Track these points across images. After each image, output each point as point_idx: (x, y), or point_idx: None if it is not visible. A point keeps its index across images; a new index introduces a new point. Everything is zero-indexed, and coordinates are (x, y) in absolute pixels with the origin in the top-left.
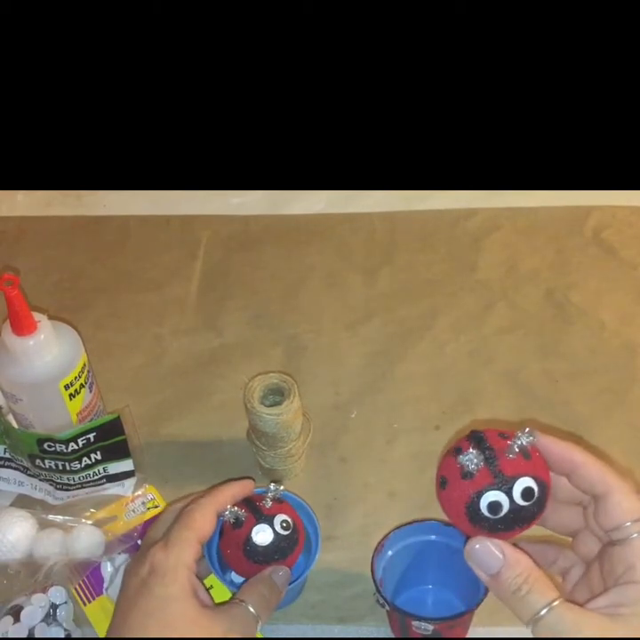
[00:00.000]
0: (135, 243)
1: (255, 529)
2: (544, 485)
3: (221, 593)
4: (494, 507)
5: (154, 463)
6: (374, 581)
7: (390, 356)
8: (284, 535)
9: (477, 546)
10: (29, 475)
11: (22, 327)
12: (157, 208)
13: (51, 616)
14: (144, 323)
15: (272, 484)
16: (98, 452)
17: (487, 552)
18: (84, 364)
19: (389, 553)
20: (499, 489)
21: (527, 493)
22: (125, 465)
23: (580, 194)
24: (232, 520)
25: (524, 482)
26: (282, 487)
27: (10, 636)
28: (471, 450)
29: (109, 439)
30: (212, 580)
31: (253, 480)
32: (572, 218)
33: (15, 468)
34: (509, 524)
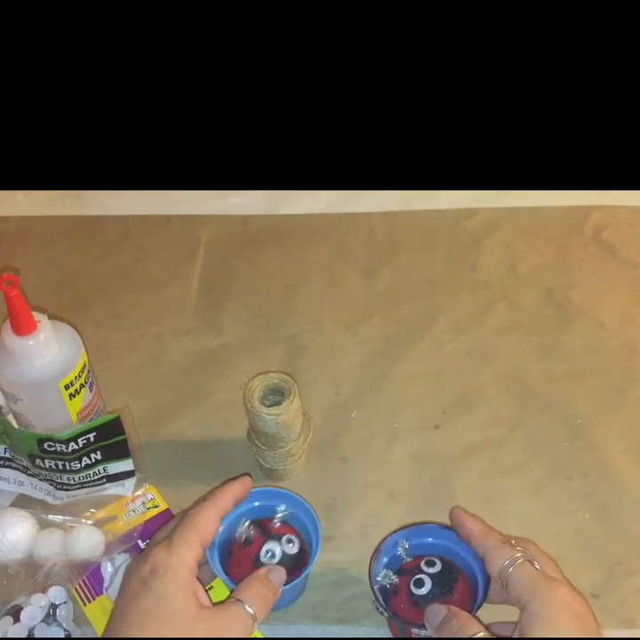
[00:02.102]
0: (135, 243)
1: (264, 547)
2: (442, 558)
3: (222, 593)
4: (417, 582)
5: (154, 463)
6: (372, 589)
7: (390, 355)
8: (291, 554)
9: (431, 609)
10: (29, 474)
11: (22, 327)
12: (157, 208)
13: (50, 616)
14: (144, 322)
15: (282, 505)
16: (98, 452)
17: (438, 609)
18: (84, 364)
19: (385, 559)
20: (413, 575)
21: (429, 563)
22: (125, 465)
23: (580, 194)
24: (243, 539)
25: (425, 559)
26: (290, 510)
27: (9, 636)
28: (392, 576)
29: (109, 439)
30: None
31: (250, 477)
32: (572, 218)
33: (15, 468)
34: (440, 586)
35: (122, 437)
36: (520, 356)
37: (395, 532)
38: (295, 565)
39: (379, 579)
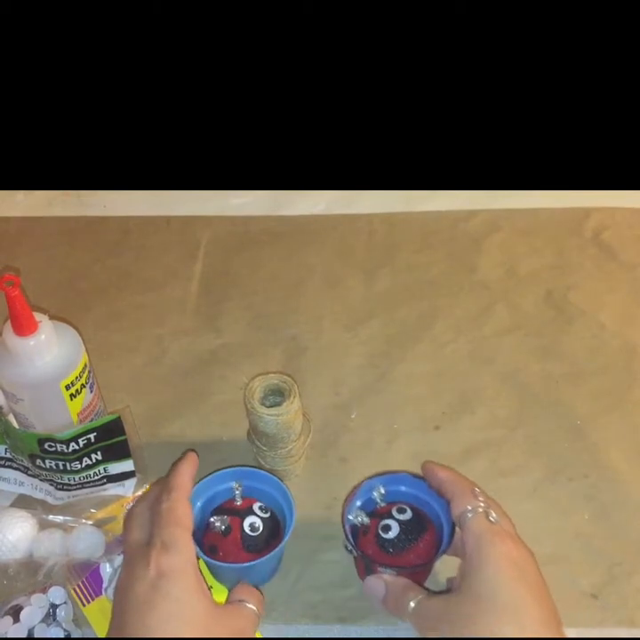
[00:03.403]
0: (135, 243)
1: (245, 524)
2: (414, 507)
3: (219, 591)
4: (386, 528)
5: (154, 463)
6: (344, 528)
7: (390, 356)
8: (268, 517)
9: (368, 582)
10: (30, 475)
11: (23, 327)
12: (157, 208)
13: (50, 616)
14: (144, 323)
15: (233, 482)
16: (98, 453)
17: (374, 584)
18: (85, 365)
19: (359, 502)
20: (383, 519)
21: (401, 510)
22: (126, 465)
23: (580, 195)
24: (222, 528)
25: (397, 506)
26: (241, 483)
27: (9, 636)
28: (364, 517)
29: (110, 439)
30: (210, 580)
31: (194, 452)
32: (571, 219)
33: (16, 468)
34: (406, 533)
35: (122, 438)
36: (520, 357)
37: (367, 479)
38: (273, 530)
39: (350, 517)
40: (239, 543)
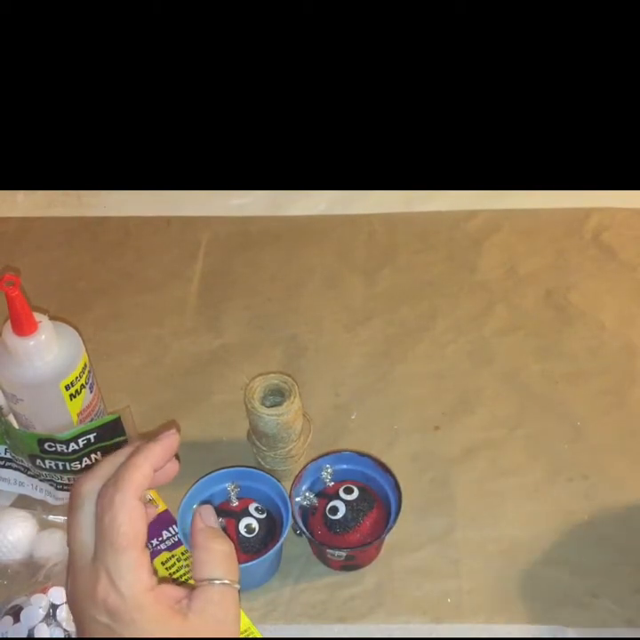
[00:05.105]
0: (135, 243)
1: (240, 525)
2: (361, 485)
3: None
4: (333, 510)
5: None
6: (292, 512)
7: (390, 356)
8: (264, 518)
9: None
10: (30, 475)
11: (23, 327)
12: (157, 208)
13: (51, 616)
14: (144, 323)
15: (228, 484)
16: (98, 453)
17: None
18: (85, 365)
19: (307, 484)
20: (330, 500)
21: (348, 490)
22: None
23: (580, 195)
24: None
25: (345, 486)
26: (237, 484)
27: (9, 636)
28: (308, 494)
29: (110, 439)
30: None
31: (176, 431)
32: (571, 219)
33: (16, 469)
34: (353, 512)
35: (122, 438)
36: (519, 358)
37: (312, 460)
38: (270, 530)
39: (298, 499)
40: (236, 545)
